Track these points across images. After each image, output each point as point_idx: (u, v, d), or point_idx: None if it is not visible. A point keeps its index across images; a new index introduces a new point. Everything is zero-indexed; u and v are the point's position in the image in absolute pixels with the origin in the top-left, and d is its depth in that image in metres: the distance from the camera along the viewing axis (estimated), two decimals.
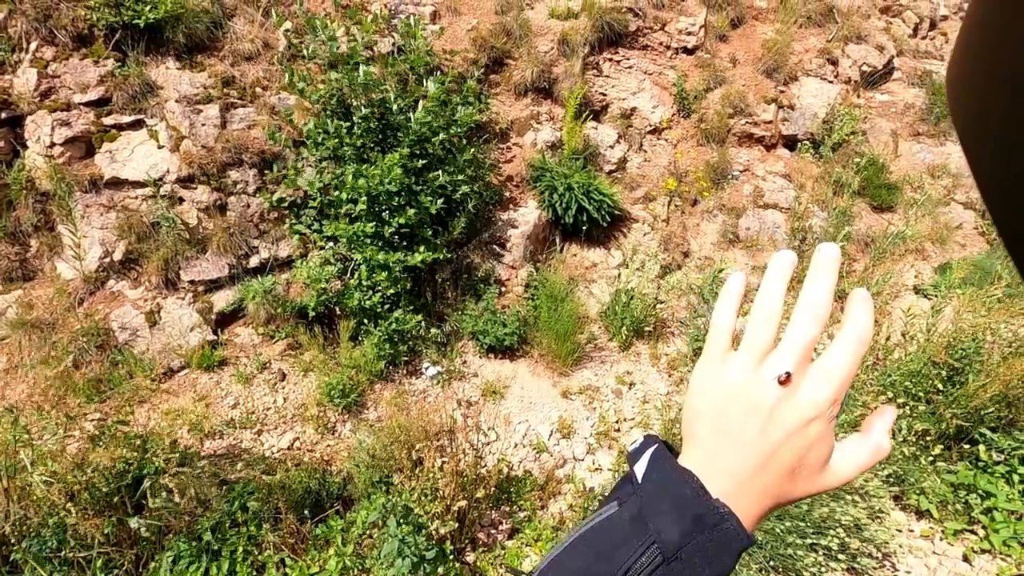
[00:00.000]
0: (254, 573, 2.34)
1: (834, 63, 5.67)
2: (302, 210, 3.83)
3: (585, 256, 4.43)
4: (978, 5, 0.23)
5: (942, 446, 2.84)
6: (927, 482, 2.67)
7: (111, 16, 3.72)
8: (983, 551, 2.66)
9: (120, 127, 3.81)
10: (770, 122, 5.16)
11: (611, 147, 4.77)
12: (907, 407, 2.79)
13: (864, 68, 5.76)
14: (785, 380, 0.41)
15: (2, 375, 3.31)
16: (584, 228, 4.29)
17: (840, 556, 2.22)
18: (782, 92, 5.31)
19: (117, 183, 3.69)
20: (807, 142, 5.24)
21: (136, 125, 3.84)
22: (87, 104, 3.75)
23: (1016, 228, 0.23)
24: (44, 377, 3.18)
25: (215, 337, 3.60)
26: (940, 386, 2.92)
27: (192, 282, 3.67)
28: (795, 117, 5.27)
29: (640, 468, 0.45)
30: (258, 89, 4.01)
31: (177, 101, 3.82)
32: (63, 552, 2.13)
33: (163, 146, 3.76)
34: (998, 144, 0.22)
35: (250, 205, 3.78)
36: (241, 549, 2.34)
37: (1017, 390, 2.78)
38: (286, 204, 3.80)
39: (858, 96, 5.75)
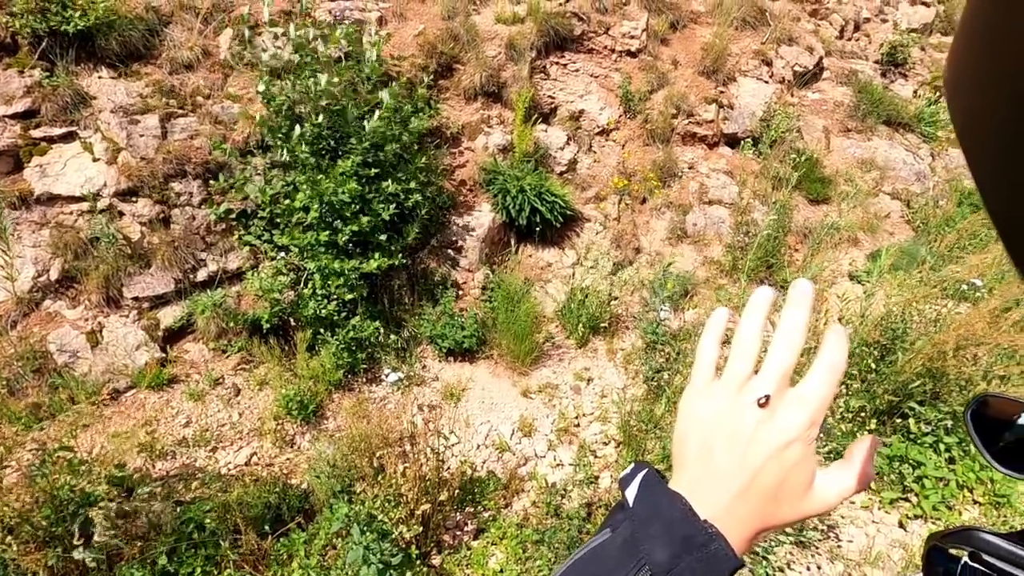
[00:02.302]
0: None
1: (768, 64, 5.96)
2: (251, 221, 3.75)
3: (540, 256, 4.50)
4: (977, 1, 0.23)
5: (876, 421, 3.04)
6: None
7: (36, 23, 3.55)
8: (916, 516, 2.87)
9: (50, 140, 3.63)
10: (711, 121, 5.38)
11: (561, 149, 4.86)
12: (844, 386, 2.97)
13: (796, 68, 6.07)
14: (764, 403, 0.43)
15: None
16: (538, 229, 4.36)
17: (788, 531, 2.35)
18: (722, 92, 5.54)
19: (50, 199, 3.52)
20: (747, 140, 5.49)
21: (68, 137, 3.67)
22: (12, 117, 3.56)
23: (1016, 228, 0.23)
24: None
25: (163, 355, 3.48)
26: (873, 365, 3.12)
27: (136, 299, 3.54)
28: (735, 116, 5.50)
29: (631, 493, 0.46)
30: (199, 98, 3.91)
31: (112, 112, 3.68)
32: None
33: (99, 159, 3.61)
34: (999, 144, 0.22)
35: (195, 217, 3.68)
36: (199, 570, 2.28)
37: (938, 363, 3.01)
38: (234, 215, 3.72)
39: (792, 95, 6.06)
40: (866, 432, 2.89)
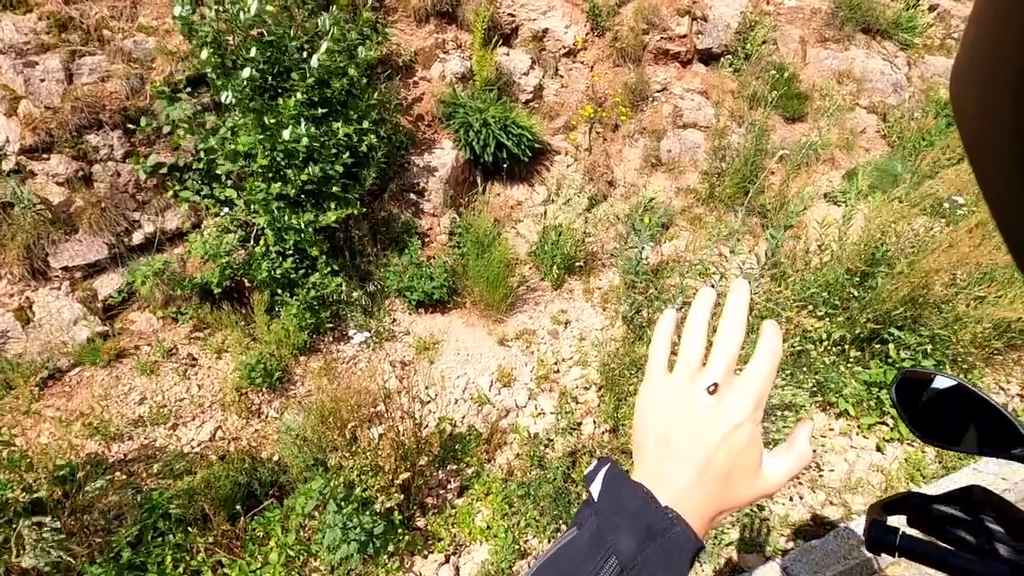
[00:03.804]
0: None
1: None
2: (186, 174, 3.37)
3: (509, 195, 4.24)
4: (984, 3, 0.24)
5: (856, 349, 3.02)
6: (847, 388, 2.84)
7: None
8: (893, 440, 2.91)
9: None
10: (684, 36, 5.01)
11: (525, 74, 4.48)
12: (826, 318, 2.90)
13: None
14: (713, 389, 0.47)
15: None
16: (505, 165, 4.07)
17: None
18: (695, 2, 5.13)
19: None
20: (723, 56, 5.15)
21: None
22: None
23: (1019, 230, 0.24)
24: None
25: (106, 328, 3.20)
26: (855, 292, 3.06)
27: (66, 268, 3.20)
28: (709, 29, 5.13)
29: (596, 488, 0.48)
30: (105, 31, 3.37)
31: (3, 53, 3.16)
32: None
33: None
34: (1006, 155, 0.22)
35: (120, 173, 3.28)
36: (169, 559, 2.16)
37: (921, 289, 2.96)
38: (165, 169, 3.32)
39: (768, 2, 5.67)
40: (848, 362, 2.87)
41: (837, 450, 2.87)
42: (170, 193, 3.35)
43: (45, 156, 3.18)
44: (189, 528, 2.22)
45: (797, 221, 4.01)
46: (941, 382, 0.81)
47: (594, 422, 3.04)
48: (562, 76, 4.74)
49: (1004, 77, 0.21)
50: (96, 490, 2.05)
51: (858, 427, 2.98)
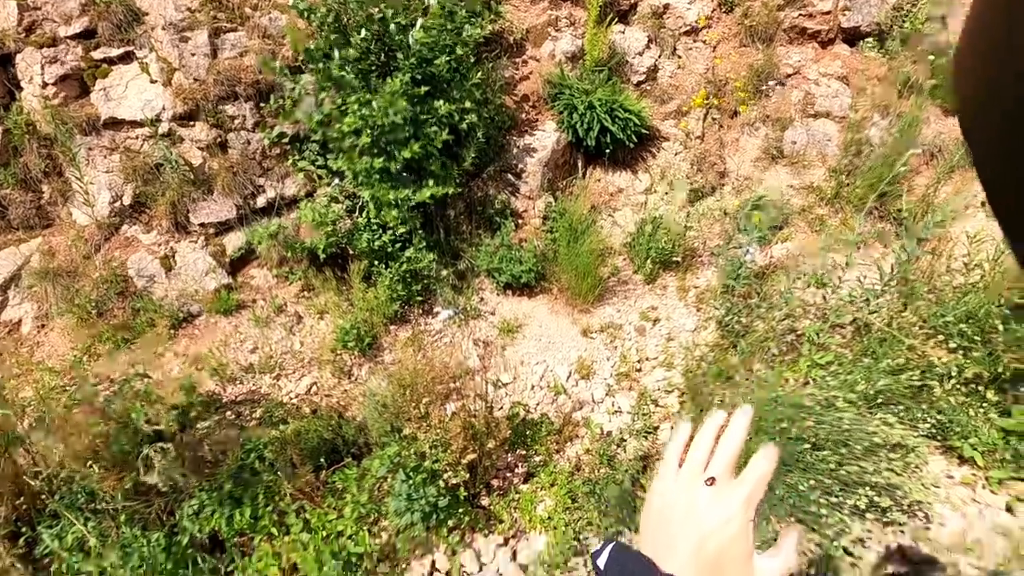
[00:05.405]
0: (276, 517, 2.42)
1: None
2: (304, 145, 3.62)
3: (610, 181, 4.09)
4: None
5: (998, 392, 2.60)
6: (974, 437, 2.47)
7: None
8: None
9: (110, 61, 3.60)
10: (828, 12, 4.46)
11: (640, 54, 4.24)
12: (960, 351, 2.52)
13: None
14: (711, 482, 0.56)
15: (35, 323, 3.42)
16: (608, 150, 3.92)
17: (868, 514, 2.10)
18: None
19: (115, 123, 3.55)
20: (872, 36, 4.53)
21: (126, 58, 3.62)
22: (73, 37, 3.53)
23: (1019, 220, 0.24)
24: (71, 326, 3.27)
25: (230, 280, 3.58)
26: (1000, 326, 2.62)
27: (203, 225, 3.60)
28: (859, 4, 4.52)
29: (602, 561, 0.57)
30: (247, 9, 3.67)
31: (163, 29, 3.55)
32: (94, 504, 2.24)
33: (155, 80, 3.55)
34: (1001, 136, 0.22)
35: (250, 142, 3.59)
36: (262, 496, 2.41)
37: None
38: (287, 139, 3.59)
39: None
40: (983, 405, 2.48)
41: (954, 502, 2.51)
42: (289, 162, 3.62)
43: (191, 123, 3.57)
44: (279, 473, 2.45)
45: (942, 233, 3.50)
46: None
47: (671, 428, 2.91)
48: (680, 57, 4.44)
49: (1000, 63, 0.21)
50: (205, 428, 2.33)
51: (986, 479, 2.58)
